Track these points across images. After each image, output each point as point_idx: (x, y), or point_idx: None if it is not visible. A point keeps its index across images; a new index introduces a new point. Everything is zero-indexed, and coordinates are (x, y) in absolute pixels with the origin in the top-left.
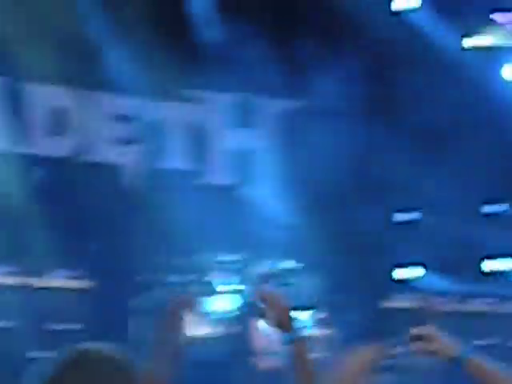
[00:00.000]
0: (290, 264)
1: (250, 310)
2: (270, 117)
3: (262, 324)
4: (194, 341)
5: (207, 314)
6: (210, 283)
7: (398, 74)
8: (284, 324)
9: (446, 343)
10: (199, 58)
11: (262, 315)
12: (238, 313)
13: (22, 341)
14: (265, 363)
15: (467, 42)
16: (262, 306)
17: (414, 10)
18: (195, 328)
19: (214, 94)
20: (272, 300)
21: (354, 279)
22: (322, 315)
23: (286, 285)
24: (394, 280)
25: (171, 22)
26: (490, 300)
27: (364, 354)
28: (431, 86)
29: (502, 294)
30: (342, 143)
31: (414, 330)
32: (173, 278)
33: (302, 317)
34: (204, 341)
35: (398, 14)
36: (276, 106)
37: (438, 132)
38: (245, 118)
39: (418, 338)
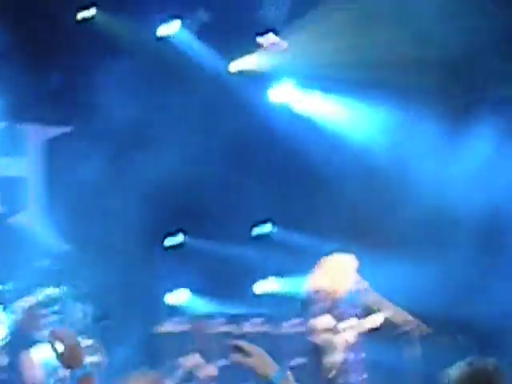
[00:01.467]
0: (58, 291)
1: (19, 341)
2: (36, 143)
3: (33, 355)
4: None
5: None
6: None
7: (167, 99)
8: (74, 361)
9: (267, 363)
10: None
11: (56, 353)
12: (7, 343)
13: None
14: None
15: (233, 67)
16: (56, 345)
17: (178, 35)
18: None
19: None
20: (62, 338)
21: (126, 304)
22: (91, 342)
23: (54, 313)
24: (166, 305)
25: None
26: (260, 321)
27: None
28: (199, 110)
29: (272, 315)
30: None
31: (236, 342)
32: None
33: None
34: None
35: (162, 39)
36: (43, 132)
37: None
38: (12, 146)
39: (239, 349)
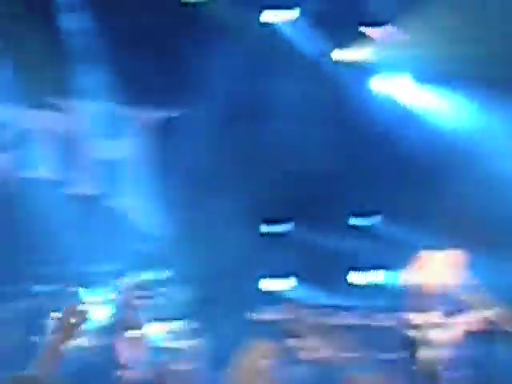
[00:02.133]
0: (160, 275)
1: (118, 322)
2: (141, 127)
3: (129, 336)
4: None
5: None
6: (79, 294)
7: (270, 86)
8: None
9: None
10: (70, 65)
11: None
12: (107, 324)
13: None
14: (130, 376)
15: (337, 55)
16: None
17: (285, 23)
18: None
19: (84, 102)
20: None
21: (225, 290)
22: (192, 326)
23: (155, 296)
24: (263, 291)
25: (41, 25)
26: (358, 313)
27: (256, 352)
28: (303, 97)
29: (370, 307)
30: (213, 153)
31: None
32: (39, 288)
33: (165, 328)
34: (78, 351)
35: (268, 25)
36: (148, 115)
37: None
38: (115, 128)
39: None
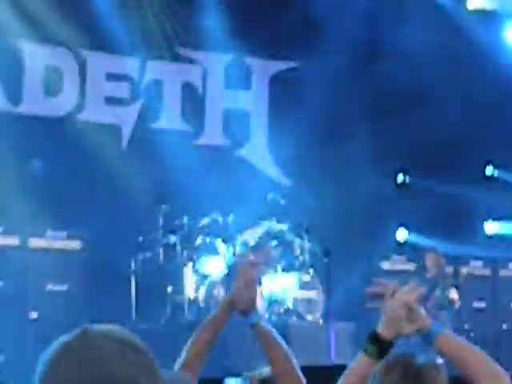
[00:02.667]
0: (282, 225)
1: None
2: (263, 77)
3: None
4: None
5: (202, 275)
6: (210, 244)
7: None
8: (246, 309)
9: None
10: (197, 17)
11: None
12: (226, 276)
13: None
14: None
15: (472, 4)
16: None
17: None
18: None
19: (210, 54)
20: (244, 282)
21: (352, 240)
22: (312, 277)
23: (275, 246)
24: (394, 241)
25: None
26: (481, 264)
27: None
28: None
29: (495, 258)
30: (338, 106)
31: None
32: (172, 239)
33: (291, 279)
34: (200, 302)
35: None
36: (271, 67)
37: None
38: (238, 79)
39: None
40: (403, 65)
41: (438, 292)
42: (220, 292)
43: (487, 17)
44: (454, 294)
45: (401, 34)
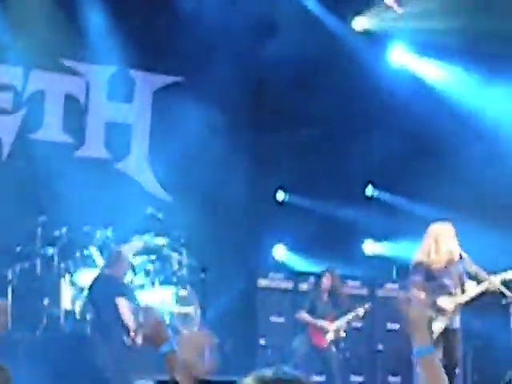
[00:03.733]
0: (160, 240)
1: (113, 286)
2: (147, 91)
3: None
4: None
5: (79, 288)
6: (88, 256)
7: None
8: (155, 339)
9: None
10: (81, 29)
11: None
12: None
13: None
14: (134, 338)
15: (357, 25)
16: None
17: None
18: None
19: (94, 66)
20: (147, 314)
21: (227, 257)
22: (186, 293)
23: (152, 261)
24: (269, 259)
25: None
26: (358, 283)
27: (195, 339)
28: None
29: (369, 278)
30: (221, 121)
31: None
32: (50, 251)
33: (169, 293)
34: (76, 314)
35: None
36: (155, 80)
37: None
38: (121, 92)
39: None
40: (289, 82)
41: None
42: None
43: (372, 37)
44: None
45: (285, 50)
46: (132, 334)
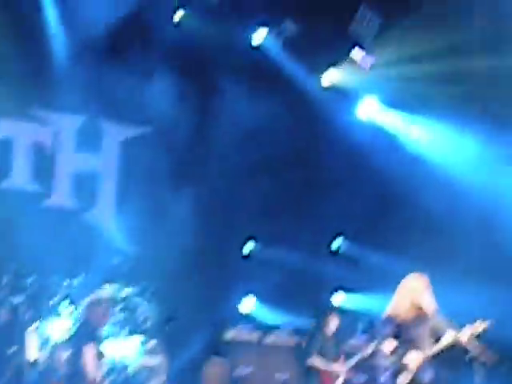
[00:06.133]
0: (126, 290)
1: (83, 335)
2: (115, 142)
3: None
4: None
5: (45, 338)
6: (54, 306)
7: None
8: None
9: None
10: (50, 79)
11: None
12: (71, 336)
13: None
14: None
15: (326, 80)
16: None
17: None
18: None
19: (62, 115)
20: None
21: (195, 308)
22: (154, 343)
23: (120, 310)
24: (236, 311)
25: (21, 36)
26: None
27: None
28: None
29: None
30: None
31: None
32: (17, 299)
33: (135, 343)
34: (42, 364)
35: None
36: (122, 131)
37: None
38: (89, 142)
39: None
40: (250, 133)
41: None
42: (61, 355)
43: (340, 93)
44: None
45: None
46: None
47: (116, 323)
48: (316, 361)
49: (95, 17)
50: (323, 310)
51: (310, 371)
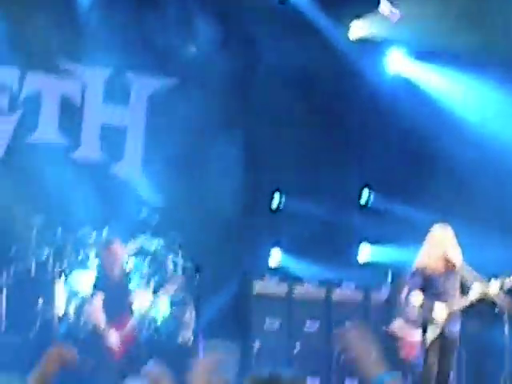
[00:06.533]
0: (155, 242)
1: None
2: (140, 94)
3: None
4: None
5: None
6: (82, 259)
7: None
8: None
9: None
10: (77, 31)
11: None
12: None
13: None
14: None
15: (353, 33)
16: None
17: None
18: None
19: (90, 68)
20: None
21: (222, 260)
22: (182, 295)
23: (151, 262)
24: (264, 264)
25: None
26: (352, 288)
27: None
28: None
29: (365, 284)
30: (216, 125)
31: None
32: (45, 252)
33: (166, 294)
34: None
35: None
36: (151, 83)
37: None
38: (116, 94)
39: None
40: (283, 85)
41: None
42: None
43: (368, 45)
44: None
45: (281, 55)
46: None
47: (144, 275)
48: (400, 326)
49: None
50: (398, 275)
51: (391, 336)
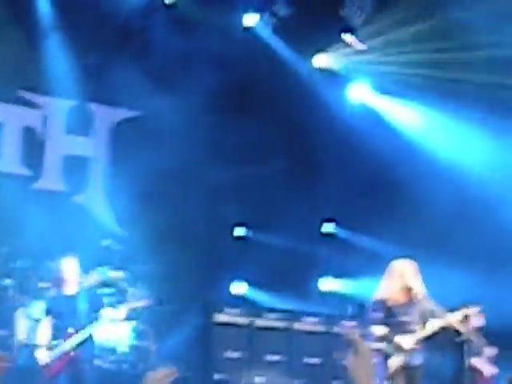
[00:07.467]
0: (118, 273)
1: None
2: (104, 125)
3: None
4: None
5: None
6: (44, 288)
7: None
8: None
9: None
10: (40, 62)
11: None
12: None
13: None
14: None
15: (316, 62)
16: None
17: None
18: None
19: (52, 99)
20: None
21: (185, 291)
22: (146, 327)
23: (110, 294)
24: (227, 294)
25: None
26: (315, 320)
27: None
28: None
29: (328, 314)
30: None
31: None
32: (6, 282)
33: (125, 327)
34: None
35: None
36: (115, 114)
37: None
38: (80, 125)
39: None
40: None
41: None
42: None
43: (331, 75)
44: None
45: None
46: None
47: (104, 305)
48: (478, 362)
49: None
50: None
51: (470, 371)
